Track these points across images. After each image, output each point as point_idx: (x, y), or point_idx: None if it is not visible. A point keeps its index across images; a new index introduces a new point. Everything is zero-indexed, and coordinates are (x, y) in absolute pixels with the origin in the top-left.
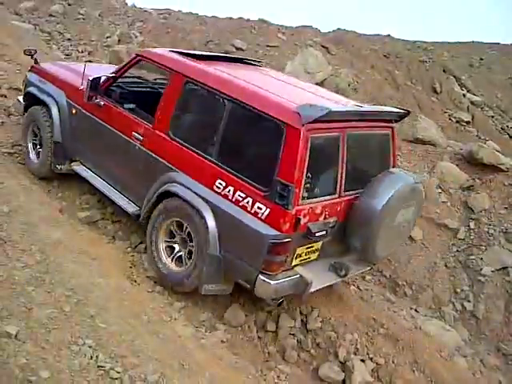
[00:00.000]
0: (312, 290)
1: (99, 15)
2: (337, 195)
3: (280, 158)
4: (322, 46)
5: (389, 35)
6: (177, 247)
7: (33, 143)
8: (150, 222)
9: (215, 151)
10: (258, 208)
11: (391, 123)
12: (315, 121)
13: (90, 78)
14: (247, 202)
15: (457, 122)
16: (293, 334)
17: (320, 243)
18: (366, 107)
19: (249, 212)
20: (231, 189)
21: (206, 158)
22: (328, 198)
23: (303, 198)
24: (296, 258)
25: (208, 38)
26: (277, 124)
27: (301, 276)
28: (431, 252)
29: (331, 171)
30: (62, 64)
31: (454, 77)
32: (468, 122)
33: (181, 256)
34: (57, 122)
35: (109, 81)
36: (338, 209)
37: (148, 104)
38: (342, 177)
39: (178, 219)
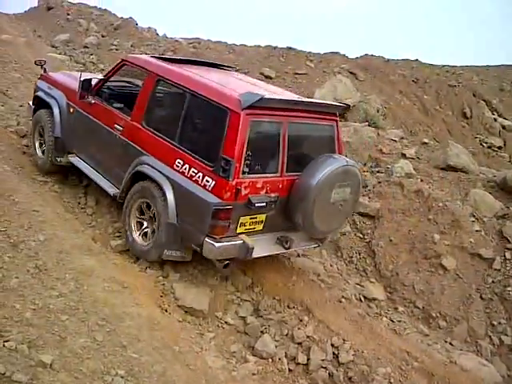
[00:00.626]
0: (255, 255)
1: (131, 46)
2: (279, 174)
3: (224, 137)
4: (350, 73)
5: (417, 60)
6: (145, 224)
7: (39, 142)
8: (126, 201)
9: (177, 136)
10: (207, 181)
11: (335, 116)
12: (254, 107)
13: (81, 79)
14: (199, 177)
15: (488, 147)
16: (324, 367)
17: (264, 216)
18: (304, 99)
19: (199, 185)
20: (187, 166)
21: (169, 142)
22: (270, 175)
23: (244, 172)
24: (240, 226)
25: (237, 66)
26: (222, 109)
27: (244, 242)
28: (465, 283)
29: (273, 153)
30: (65, 73)
31: (485, 101)
32: (500, 147)
33: (147, 232)
34: (57, 120)
35: (99, 83)
36: (280, 186)
37: (129, 101)
38: (283, 159)
39: (147, 200)
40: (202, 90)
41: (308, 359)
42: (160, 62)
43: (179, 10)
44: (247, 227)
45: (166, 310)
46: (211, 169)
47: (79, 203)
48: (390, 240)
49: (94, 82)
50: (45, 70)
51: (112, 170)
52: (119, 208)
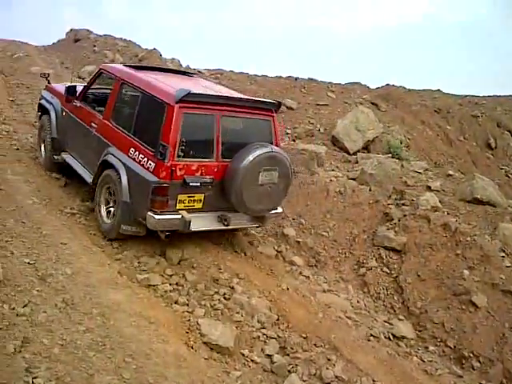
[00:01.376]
0: (194, 229)
1: None
2: (214, 159)
3: (162, 127)
4: (372, 103)
5: (439, 90)
6: (111, 203)
7: (43, 145)
8: (96, 187)
9: (132, 128)
10: (149, 164)
11: (271, 112)
12: (187, 101)
13: (66, 86)
14: (144, 161)
15: None
16: None
17: (202, 195)
18: (235, 95)
19: (144, 168)
20: (137, 153)
21: (126, 134)
22: (205, 160)
23: (178, 156)
24: (179, 203)
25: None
26: (162, 104)
27: (182, 216)
28: (498, 321)
29: (207, 141)
30: (65, 83)
31: (509, 131)
32: None
33: (110, 211)
34: (54, 123)
35: (83, 89)
36: (216, 170)
37: (103, 104)
38: (218, 146)
39: (110, 185)
40: (149, 89)
41: None
42: (126, 69)
43: (202, 41)
44: (186, 204)
45: (192, 347)
46: (152, 154)
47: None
48: (418, 275)
49: (79, 89)
50: (49, 82)
51: (90, 161)
52: (145, 242)
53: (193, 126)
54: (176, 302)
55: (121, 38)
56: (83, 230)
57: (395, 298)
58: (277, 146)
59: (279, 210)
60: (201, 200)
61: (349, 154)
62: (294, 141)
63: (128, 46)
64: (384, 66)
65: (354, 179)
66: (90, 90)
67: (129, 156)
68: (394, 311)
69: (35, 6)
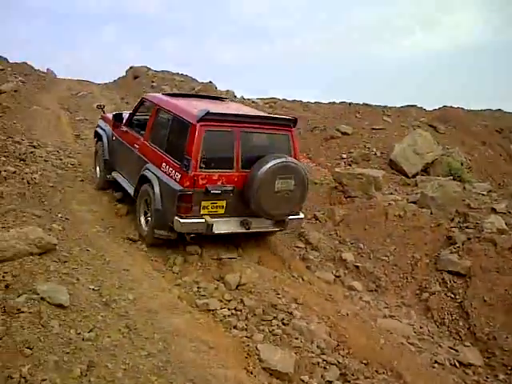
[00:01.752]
0: (216, 231)
1: None
2: (234, 170)
3: (187, 143)
4: (430, 125)
5: (499, 109)
6: (148, 213)
7: (98, 166)
8: (137, 199)
9: (164, 146)
10: (176, 175)
11: (289, 128)
12: (208, 119)
13: (113, 114)
14: (173, 173)
15: None
16: None
17: (224, 202)
18: (254, 113)
19: (172, 179)
20: (168, 167)
21: (160, 151)
22: (226, 170)
23: (201, 167)
24: (203, 209)
25: (313, 123)
26: (188, 124)
27: (205, 220)
28: None
29: (228, 153)
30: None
31: None
32: None
33: (148, 220)
34: (106, 147)
35: (129, 116)
36: (236, 179)
37: (144, 128)
38: (238, 158)
39: (147, 198)
40: (178, 112)
41: None
42: (162, 96)
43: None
44: (210, 210)
45: (252, 372)
46: (179, 166)
47: (167, 260)
48: (484, 300)
49: (126, 116)
50: (104, 112)
51: (133, 177)
52: (204, 268)
53: (214, 141)
54: (235, 327)
55: (178, 73)
56: (144, 256)
57: (460, 323)
58: (295, 157)
59: (301, 215)
60: (223, 206)
61: (407, 177)
62: (349, 165)
63: (185, 81)
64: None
65: (414, 202)
66: (134, 117)
67: (161, 170)
68: (460, 337)
69: (97, 45)
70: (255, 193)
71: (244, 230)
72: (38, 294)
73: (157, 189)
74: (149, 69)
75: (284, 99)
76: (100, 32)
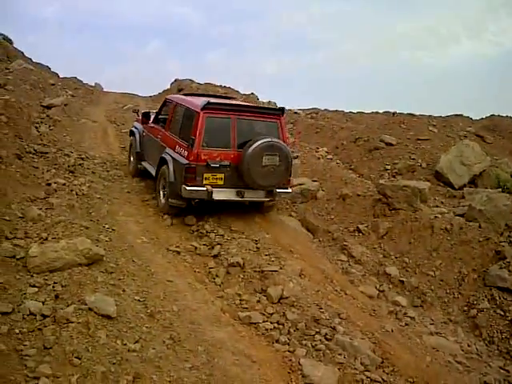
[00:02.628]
0: (216, 198)
1: None
2: (231, 149)
3: (193, 127)
4: (477, 135)
5: None
6: (165, 188)
7: (132, 157)
8: (158, 179)
9: (178, 132)
10: (184, 153)
11: (278, 116)
12: (208, 108)
13: (142, 112)
14: (182, 152)
15: None
16: None
17: (222, 175)
18: (245, 104)
19: (182, 156)
20: (179, 147)
21: (175, 137)
22: (223, 149)
23: (203, 146)
24: (205, 180)
25: (356, 134)
26: (194, 112)
27: (207, 189)
28: None
29: (225, 135)
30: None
31: None
32: None
33: (165, 194)
34: (137, 141)
35: (155, 115)
36: (232, 156)
37: (166, 122)
38: (234, 139)
39: (165, 176)
40: (188, 105)
41: None
42: (179, 96)
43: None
44: (210, 181)
45: None
46: (186, 145)
47: (209, 273)
48: None
49: (153, 115)
50: (138, 115)
51: (155, 161)
52: (246, 280)
53: (214, 125)
54: (277, 341)
55: (221, 85)
56: (188, 267)
57: (511, 342)
58: (284, 141)
59: (289, 190)
60: (222, 178)
61: (454, 189)
62: (394, 177)
63: (227, 93)
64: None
65: (461, 215)
66: (159, 115)
67: (175, 151)
68: (511, 357)
69: (143, 59)
70: (246, 167)
71: (239, 199)
72: (87, 305)
73: (171, 166)
74: (192, 81)
75: (325, 109)
76: (145, 46)
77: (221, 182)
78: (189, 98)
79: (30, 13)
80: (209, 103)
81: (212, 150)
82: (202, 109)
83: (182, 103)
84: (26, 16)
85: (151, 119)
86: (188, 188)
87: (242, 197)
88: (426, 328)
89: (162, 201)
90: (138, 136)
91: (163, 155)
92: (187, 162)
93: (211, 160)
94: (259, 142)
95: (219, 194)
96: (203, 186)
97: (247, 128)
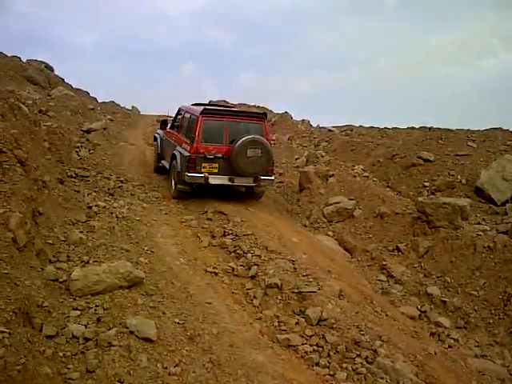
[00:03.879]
0: (211, 182)
1: (288, 139)
2: (224, 144)
3: (194, 128)
4: None
5: None
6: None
7: (154, 157)
8: (170, 171)
9: (185, 133)
10: (187, 147)
11: (262, 119)
12: (205, 114)
13: (161, 120)
14: (186, 147)
15: None
16: None
17: (217, 165)
18: (235, 110)
19: (186, 150)
20: (185, 144)
21: (183, 137)
22: (218, 144)
23: (201, 141)
24: (203, 168)
25: (393, 151)
26: (195, 116)
27: (204, 175)
28: None
29: (219, 134)
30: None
31: None
32: None
33: (175, 183)
34: (158, 144)
35: (172, 122)
36: (224, 150)
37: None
38: (226, 137)
39: (175, 168)
40: (192, 111)
41: None
42: (189, 105)
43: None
44: (207, 169)
45: None
46: (189, 142)
47: (247, 294)
48: None
49: (170, 122)
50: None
51: (169, 158)
52: (284, 301)
53: (210, 126)
54: (317, 364)
55: (255, 105)
56: (226, 289)
57: None
58: (267, 139)
59: (272, 177)
60: (216, 167)
61: (496, 205)
62: (433, 194)
63: (261, 111)
64: None
65: (504, 233)
66: (174, 122)
67: (182, 147)
68: None
69: (177, 81)
70: (235, 158)
71: (230, 183)
72: (128, 328)
73: (178, 159)
74: (226, 102)
75: (360, 126)
76: (180, 68)
77: (215, 170)
78: (194, 107)
79: (71, 41)
80: (205, 109)
81: (208, 145)
82: (201, 114)
83: (188, 111)
84: (66, 44)
85: (168, 126)
86: (189, 174)
87: (233, 182)
88: (470, 350)
89: (173, 188)
90: (159, 140)
91: (174, 151)
92: (189, 154)
93: (208, 153)
94: (244, 138)
95: (214, 180)
96: (201, 173)
97: (237, 128)
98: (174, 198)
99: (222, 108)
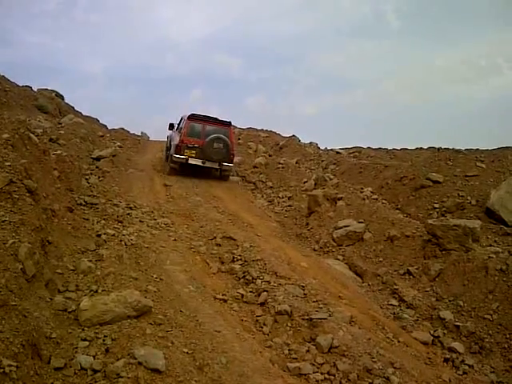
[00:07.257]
0: (190, 162)
1: (296, 162)
2: (201, 139)
3: (183, 127)
4: None
5: None
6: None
7: (165, 151)
8: (167, 155)
9: (179, 131)
10: (178, 139)
11: (228, 125)
12: (191, 118)
13: (169, 123)
14: (177, 139)
15: None
16: None
17: (195, 151)
18: (210, 118)
19: (177, 141)
20: (177, 138)
21: (177, 133)
22: (197, 139)
23: (186, 136)
24: (186, 153)
25: (401, 173)
26: (185, 120)
27: (185, 157)
28: None
29: (199, 133)
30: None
31: None
32: None
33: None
34: (168, 141)
35: (177, 125)
36: (201, 142)
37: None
38: (203, 134)
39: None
40: (184, 117)
41: None
42: (187, 114)
43: (337, 123)
44: (189, 154)
45: None
46: (179, 136)
47: (257, 321)
48: None
49: (175, 126)
50: (172, 129)
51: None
52: (294, 329)
53: (193, 127)
54: None
55: (262, 129)
56: (235, 316)
57: None
58: (230, 140)
59: (231, 164)
60: (194, 153)
61: (507, 226)
62: (443, 215)
63: (269, 136)
64: None
65: None
66: (179, 126)
67: (175, 140)
68: None
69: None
70: (206, 148)
71: (203, 165)
72: (136, 359)
73: (172, 147)
74: (235, 127)
75: (368, 147)
76: (188, 94)
77: (194, 155)
78: (187, 114)
79: (81, 69)
80: (191, 115)
81: (191, 138)
82: (188, 118)
83: (183, 117)
84: (77, 72)
85: (175, 128)
86: (176, 155)
87: (204, 164)
88: (486, 377)
89: (168, 166)
90: (168, 139)
91: (171, 143)
92: (178, 143)
93: (189, 143)
94: (212, 136)
95: (192, 161)
96: (184, 155)
97: (210, 129)
98: (167, 175)
99: (202, 115)
